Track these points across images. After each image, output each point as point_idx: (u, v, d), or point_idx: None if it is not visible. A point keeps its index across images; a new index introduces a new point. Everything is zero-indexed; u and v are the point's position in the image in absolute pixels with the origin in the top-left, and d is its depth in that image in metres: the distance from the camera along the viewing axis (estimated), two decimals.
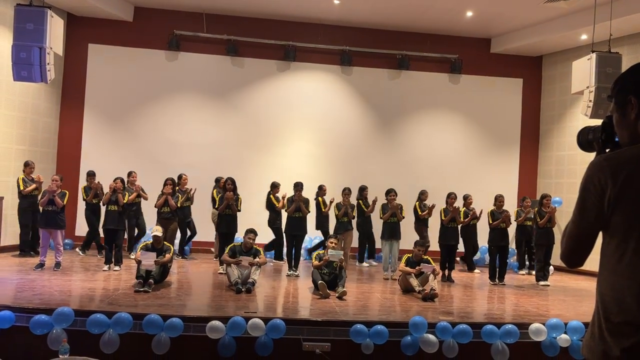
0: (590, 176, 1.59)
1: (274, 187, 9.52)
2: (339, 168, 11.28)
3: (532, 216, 9.25)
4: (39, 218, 8.25)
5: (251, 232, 7.48)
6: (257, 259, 7.25)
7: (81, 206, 10.50)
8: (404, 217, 8.86)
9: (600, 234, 1.64)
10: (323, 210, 9.44)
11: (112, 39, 10.91)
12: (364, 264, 10.04)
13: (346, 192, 9.30)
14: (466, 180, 11.27)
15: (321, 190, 9.64)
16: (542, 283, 8.72)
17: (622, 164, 1.54)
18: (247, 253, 7.32)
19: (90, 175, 9.38)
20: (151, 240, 7.32)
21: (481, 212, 9.14)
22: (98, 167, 9.86)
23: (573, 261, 1.68)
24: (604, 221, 1.57)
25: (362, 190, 9.81)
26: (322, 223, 9.55)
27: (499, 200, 8.88)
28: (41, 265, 7.85)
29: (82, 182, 10.63)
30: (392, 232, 8.72)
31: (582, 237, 1.63)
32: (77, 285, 6.95)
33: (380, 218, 8.94)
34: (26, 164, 8.86)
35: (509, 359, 5.55)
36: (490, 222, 8.70)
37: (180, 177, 9.43)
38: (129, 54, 10.97)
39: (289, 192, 8.90)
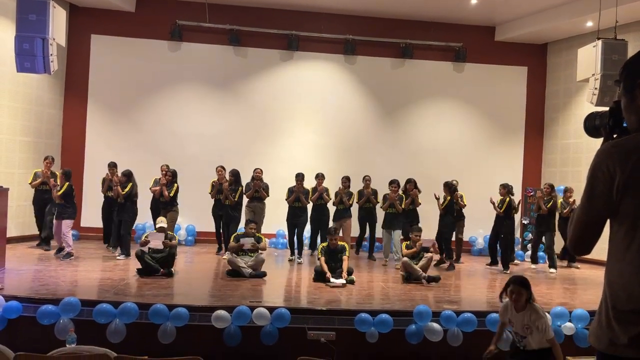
0: (598, 163, 1.57)
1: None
2: (342, 158, 11.26)
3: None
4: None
5: (251, 222, 7.83)
6: (259, 244, 7.51)
7: (86, 197, 10.57)
8: (403, 209, 9.09)
9: (608, 221, 1.63)
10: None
11: (114, 30, 10.89)
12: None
13: (344, 180, 9.46)
14: (471, 169, 11.26)
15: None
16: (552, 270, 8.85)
17: (630, 151, 1.52)
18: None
19: (111, 167, 9.07)
20: (156, 229, 7.43)
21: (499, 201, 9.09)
22: (102, 158, 9.88)
23: (581, 248, 1.67)
24: (612, 208, 1.55)
25: (408, 182, 9.55)
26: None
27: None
28: (58, 250, 8.48)
29: (87, 173, 10.73)
30: (391, 221, 9.02)
31: (591, 224, 1.62)
32: (84, 275, 6.99)
33: (381, 208, 9.23)
34: (45, 158, 9.08)
35: None
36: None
37: (254, 170, 9.27)
38: (131, 44, 10.95)
39: (292, 182, 9.08)
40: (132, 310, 5.30)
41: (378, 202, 9.47)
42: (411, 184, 9.44)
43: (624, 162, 1.51)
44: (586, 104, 8.82)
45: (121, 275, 7.09)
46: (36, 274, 6.85)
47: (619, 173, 1.51)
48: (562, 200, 9.46)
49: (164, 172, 9.12)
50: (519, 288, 4.17)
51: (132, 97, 11.00)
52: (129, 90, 10.98)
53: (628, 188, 1.51)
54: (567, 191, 9.60)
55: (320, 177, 9.26)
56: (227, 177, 9.12)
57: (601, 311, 1.60)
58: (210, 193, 9.31)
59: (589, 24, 10.11)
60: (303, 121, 11.36)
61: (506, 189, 8.74)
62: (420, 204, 9.36)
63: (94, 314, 5.27)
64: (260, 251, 7.51)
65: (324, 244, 7.48)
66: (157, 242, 7.09)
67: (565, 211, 9.24)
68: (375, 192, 9.48)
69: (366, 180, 9.43)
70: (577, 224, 1.65)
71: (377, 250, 10.55)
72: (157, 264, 6.99)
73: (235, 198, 9.00)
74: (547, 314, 4.41)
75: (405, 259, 7.45)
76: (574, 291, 7.42)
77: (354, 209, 9.54)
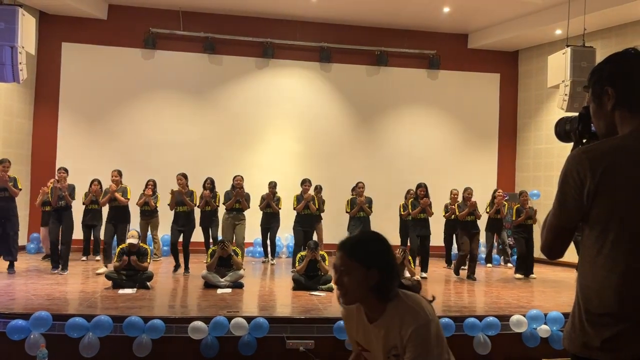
0: (569, 169, 1.58)
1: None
2: (319, 165, 11.26)
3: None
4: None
5: (222, 243, 7.38)
6: (233, 271, 7.26)
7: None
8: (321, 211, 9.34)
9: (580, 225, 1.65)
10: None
11: (86, 38, 10.73)
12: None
13: (318, 189, 9.55)
14: (446, 174, 11.37)
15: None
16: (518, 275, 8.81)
17: (601, 156, 1.54)
18: (225, 260, 7.30)
19: (62, 171, 8.34)
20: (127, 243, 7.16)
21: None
22: (74, 168, 9.65)
23: (553, 253, 1.69)
24: (583, 214, 1.58)
25: (419, 187, 8.81)
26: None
27: (453, 193, 9.45)
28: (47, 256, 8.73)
29: None
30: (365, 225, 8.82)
31: (562, 229, 1.63)
32: (55, 288, 6.81)
33: (347, 212, 8.94)
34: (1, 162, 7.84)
35: (491, 351, 5.61)
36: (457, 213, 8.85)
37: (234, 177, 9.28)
38: (103, 52, 10.80)
39: (264, 189, 9.50)
40: (106, 324, 5.17)
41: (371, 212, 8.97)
42: (422, 188, 8.58)
43: (594, 167, 1.53)
44: (557, 110, 8.99)
45: (94, 287, 6.93)
46: (5, 288, 6.65)
47: (589, 178, 1.53)
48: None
49: (114, 177, 8.55)
50: (343, 259, 1.84)
51: (105, 105, 10.84)
52: (102, 99, 10.82)
53: (598, 194, 1.53)
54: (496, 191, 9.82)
55: (307, 184, 9.05)
56: (205, 184, 8.98)
57: (574, 314, 1.62)
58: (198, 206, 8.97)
59: (558, 31, 10.36)
60: (279, 128, 11.35)
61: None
62: (432, 213, 8.70)
63: (66, 328, 5.13)
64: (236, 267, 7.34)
65: (303, 253, 7.42)
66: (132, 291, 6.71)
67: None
68: (370, 201, 8.80)
69: (359, 187, 8.80)
70: (549, 230, 1.67)
71: None
72: (131, 283, 6.85)
73: (217, 203, 8.94)
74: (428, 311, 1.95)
75: None
76: (548, 294, 7.53)
77: (344, 219, 9.18)
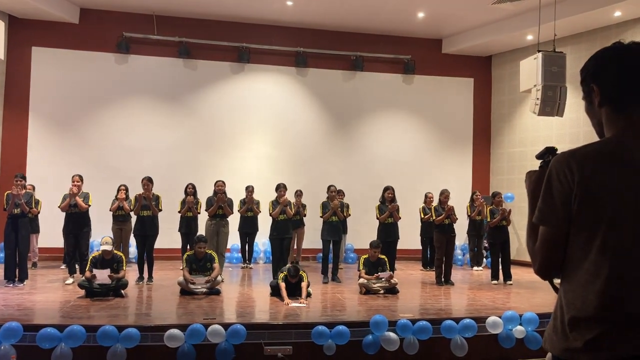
0: (556, 173, 1.53)
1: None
2: (296, 169, 11.25)
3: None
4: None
5: (200, 242, 7.31)
6: (211, 273, 7.17)
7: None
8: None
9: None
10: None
11: (57, 42, 10.52)
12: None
13: (298, 193, 9.50)
14: (422, 178, 11.46)
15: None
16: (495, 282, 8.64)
17: (586, 160, 1.50)
18: (201, 261, 7.23)
19: (20, 178, 7.73)
20: (100, 251, 7.01)
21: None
22: (45, 175, 9.48)
23: (553, 268, 1.58)
24: (571, 219, 1.52)
25: (386, 190, 8.79)
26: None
27: (428, 197, 9.44)
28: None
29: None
30: (341, 230, 8.80)
31: (558, 238, 1.55)
32: (26, 298, 6.64)
33: (321, 217, 8.58)
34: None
35: (468, 352, 5.66)
36: (434, 217, 8.57)
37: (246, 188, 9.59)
38: (75, 57, 10.60)
39: (242, 194, 9.53)
40: (79, 333, 5.06)
41: (349, 215, 8.95)
42: (390, 191, 8.51)
43: (581, 170, 1.49)
44: (530, 114, 9.17)
45: (66, 297, 6.78)
46: None
47: (577, 181, 1.49)
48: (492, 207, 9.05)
49: (75, 183, 8.05)
50: None
51: (78, 111, 10.63)
52: (74, 104, 10.61)
53: (585, 198, 1.49)
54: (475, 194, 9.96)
55: (282, 189, 8.66)
56: (187, 189, 8.98)
57: (556, 317, 1.59)
58: (179, 211, 8.93)
59: (530, 37, 10.56)
60: (255, 133, 11.30)
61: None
62: (400, 217, 8.68)
63: (38, 339, 5.00)
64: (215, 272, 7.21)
65: (285, 274, 6.98)
66: (103, 277, 6.66)
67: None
68: (343, 205, 8.55)
69: (331, 191, 8.50)
70: (544, 243, 1.56)
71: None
72: (105, 290, 6.72)
73: (198, 210, 8.87)
74: None
75: (363, 281, 7.45)
76: (523, 295, 7.63)
77: (317, 223, 8.95)
